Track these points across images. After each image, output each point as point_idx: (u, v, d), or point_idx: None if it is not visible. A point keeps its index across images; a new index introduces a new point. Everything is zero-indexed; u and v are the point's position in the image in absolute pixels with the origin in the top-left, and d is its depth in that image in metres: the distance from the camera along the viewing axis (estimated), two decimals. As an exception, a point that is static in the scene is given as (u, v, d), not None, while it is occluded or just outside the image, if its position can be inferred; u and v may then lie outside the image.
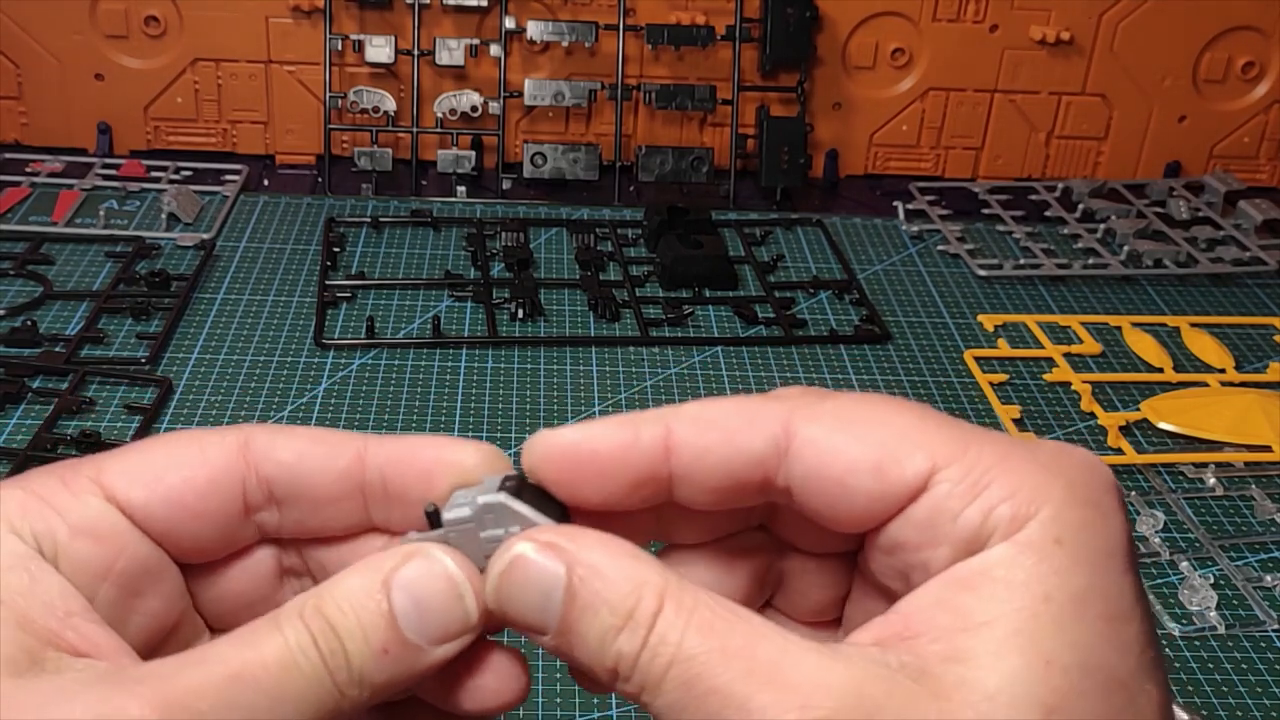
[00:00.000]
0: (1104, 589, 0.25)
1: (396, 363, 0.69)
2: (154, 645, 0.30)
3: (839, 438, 0.27)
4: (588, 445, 0.28)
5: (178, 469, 0.29)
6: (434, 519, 0.28)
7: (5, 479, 0.29)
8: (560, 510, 0.28)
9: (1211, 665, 0.52)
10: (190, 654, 0.26)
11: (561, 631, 0.26)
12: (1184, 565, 0.57)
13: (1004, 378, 0.71)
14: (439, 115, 0.90)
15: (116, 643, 0.27)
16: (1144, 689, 0.25)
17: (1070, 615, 0.25)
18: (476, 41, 0.89)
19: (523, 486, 0.28)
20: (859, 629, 0.26)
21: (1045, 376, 0.71)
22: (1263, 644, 0.54)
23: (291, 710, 0.25)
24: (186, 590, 0.30)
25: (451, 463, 0.29)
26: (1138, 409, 0.69)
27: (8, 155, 0.90)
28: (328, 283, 0.76)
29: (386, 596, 0.26)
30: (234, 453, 0.29)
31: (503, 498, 0.27)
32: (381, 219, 0.84)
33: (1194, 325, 0.78)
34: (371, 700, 0.26)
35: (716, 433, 0.27)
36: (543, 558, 0.26)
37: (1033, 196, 0.93)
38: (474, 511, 0.27)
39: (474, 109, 0.90)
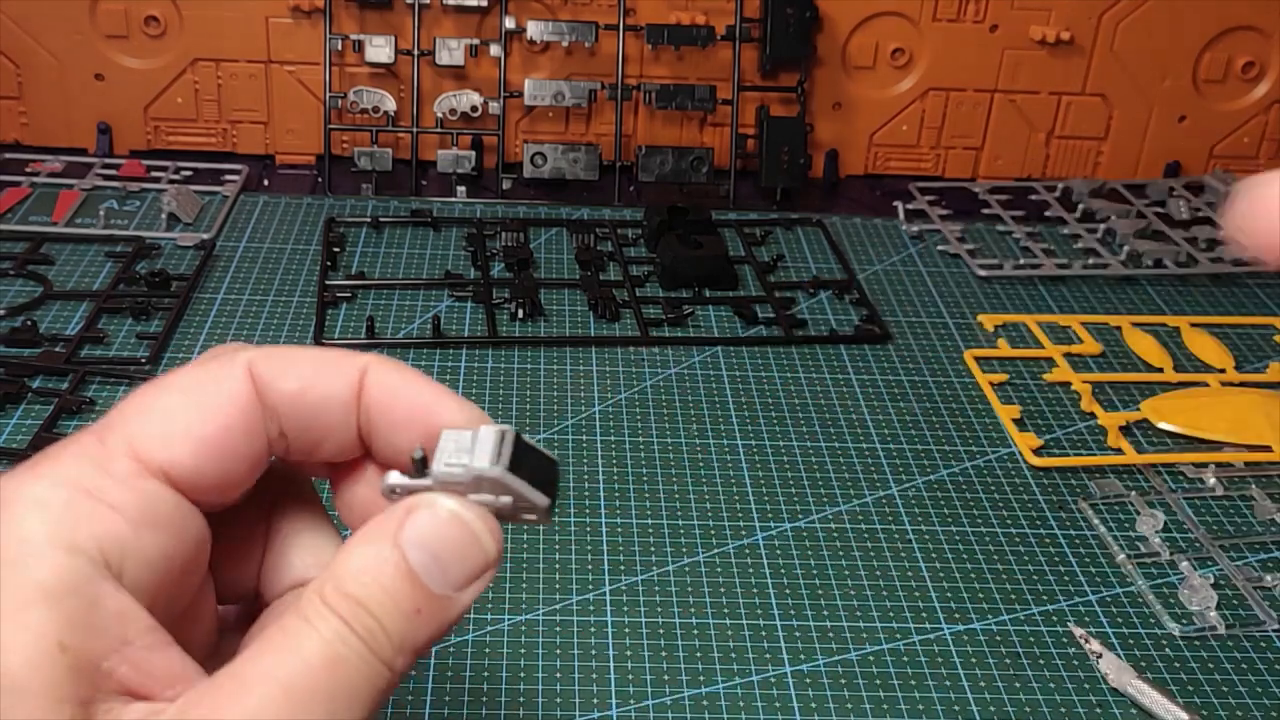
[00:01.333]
0: None
1: (396, 363, 0.69)
2: (192, 623, 0.29)
3: None
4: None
5: (210, 418, 0.27)
6: (421, 466, 0.27)
7: (45, 455, 0.26)
8: (552, 474, 0.28)
9: (1211, 665, 0.52)
10: (232, 679, 0.24)
11: None
12: (1184, 565, 0.57)
13: (1004, 378, 0.71)
14: (439, 115, 0.90)
15: (176, 663, 0.25)
16: None
17: None
18: (476, 41, 0.89)
19: (519, 453, 0.27)
20: None
21: (1045, 376, 0.71)
22: (1263, 644, 0.54)
23: (345, 703, 0.25)
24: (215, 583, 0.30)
25: (440, 423, 0.28)
26: (1138, 409, 0.69)
27: (8, 155, 0.90)
28: (328, 283, 0.76)
29: (402, 557, 0.26)
30: (249, 385, 0.27)
31: (499, 473, 0.27)
32: (381, 219, 0.84)
33: (1194, 325, 0.78)
34: (415, 659, 0.26)
35: None
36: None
37: (1033, 196, 0.93)
38: (468, 477, 0.27)
39: (474, 109, 0.90)
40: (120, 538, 0.25)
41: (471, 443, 0.27)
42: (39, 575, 0.24)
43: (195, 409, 0.27)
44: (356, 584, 0.25)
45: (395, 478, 0.27)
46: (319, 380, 0.28)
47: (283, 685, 0.24)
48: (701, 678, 0.50)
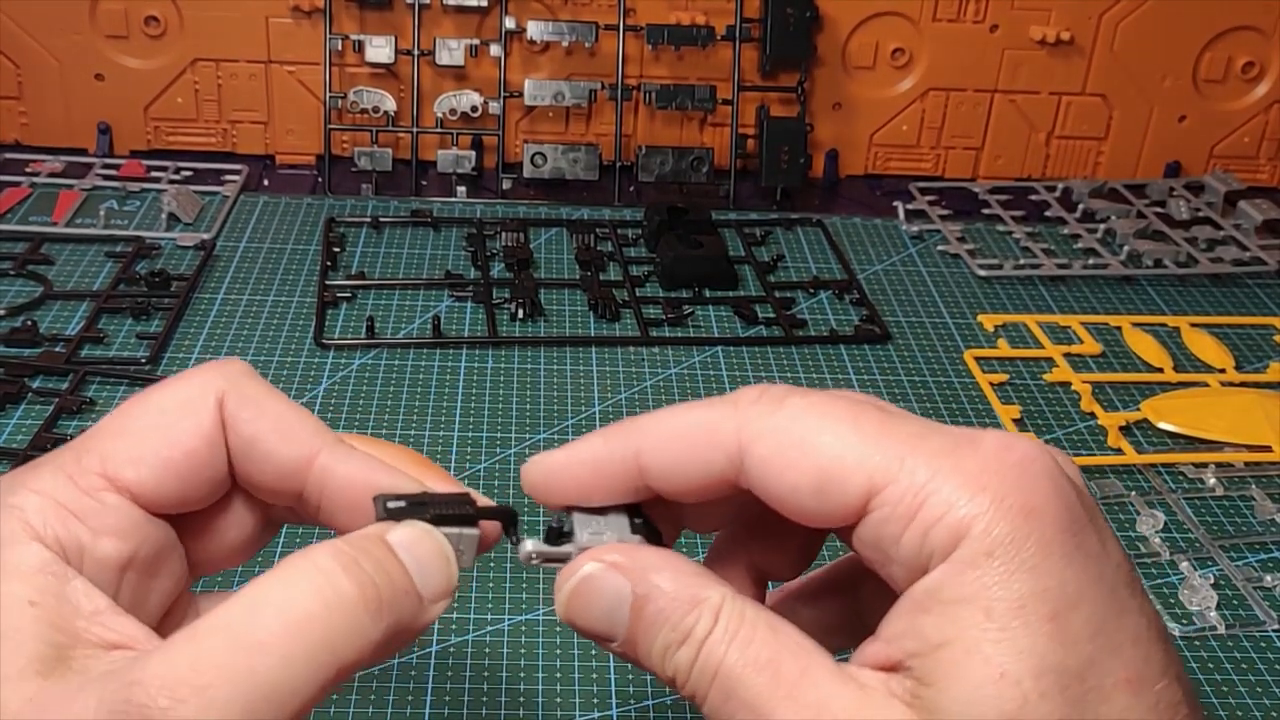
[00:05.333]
0: (1043, 589, 0.26)
1: (396, 363, 0.69)
2: (164, 616, 0.31)
3: (780, 459, 0.29)
4: (575, 464, 0.31)
5: (178, 443, 0.30)
6: (557, 536, 0.31)
7: (24, 468, 0.29)
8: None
9: (1211, 665, 0.52)
10: (227, 610, 0.26)
11: (628, 642, 0.29)
12: (1184, 565, 0.57)
13: (1004, 378, 0.71)
14: (439, 115, 0.90)
15: (146, 633, 0.28)
16: (1104, 669, 0.26)
17: (1015, 624, 0.26)
18: (476, 41, 0.89)
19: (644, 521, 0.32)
20: (858, 651, 0.28)
21: (1045, 376, 0.71)
22: (1263, 644, 0.54)
23: (342, 642, 0.27)
24: (186, 558, 0.32)
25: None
26: (1138, 409, 0.69)
27: (8, 155, 0.90)
28: (328, 283, 0.76)
29: (397, 554, 0.29)
30: (216, 418, 0.30)
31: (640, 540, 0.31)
32: (381, 219, 0.84)
33: (1194, 325, 0.78)
34: (380, 650, 0.28)
35: (679, 450, 0.30)
36: (609, 576, 0.29)
37: (1033, 196, 0.93)
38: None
39: (474, 109, 0.90)
40: (79, 541, 0.28)
41: (603, 521, 0.31)
42: (11, 559, 0.27)
43: (165, 433, 0.30)
44: (368, 559, 0.28)
45: (533, 545, 0.31)
46: (271, 439, 0.31)
47: (294, 618, 0.26)
48: (701, 678, 0.50)
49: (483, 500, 0.31)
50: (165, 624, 0.31)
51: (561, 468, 0.31)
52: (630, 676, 0.50)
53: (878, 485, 0.27)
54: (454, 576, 0.29)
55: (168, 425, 0.30)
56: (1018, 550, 0.26)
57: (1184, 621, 0.54)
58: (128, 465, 0.29)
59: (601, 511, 0.31)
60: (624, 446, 0.31)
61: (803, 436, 0.28)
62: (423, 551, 0.29)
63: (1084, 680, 0.26)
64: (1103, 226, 0.88)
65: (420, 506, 0.30)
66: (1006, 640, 0.26)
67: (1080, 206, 0.91)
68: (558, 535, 0.31)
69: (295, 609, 0.26)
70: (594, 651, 0.51)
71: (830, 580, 0.35)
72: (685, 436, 0.30)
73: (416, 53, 0.89)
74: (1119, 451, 0.65)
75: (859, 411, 0.28)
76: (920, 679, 0.27)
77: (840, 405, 0.29)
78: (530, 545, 0.31)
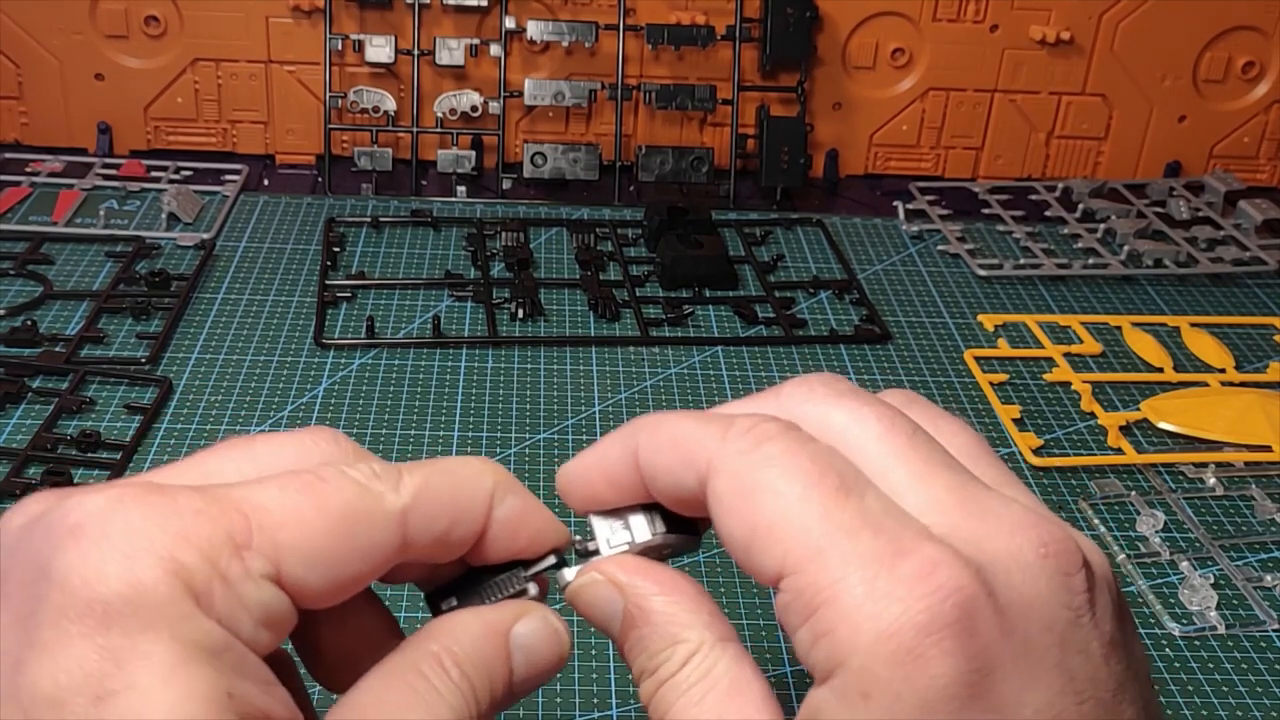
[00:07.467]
0: None
1: (396, 362, 0.69)
2: None
3: (727, 503, 0.28)
4: (590, 467, 0.32)
5: (355, 562, 0.28)
6: (587, 555, 0.32)
7: (165, 501, 0.26)
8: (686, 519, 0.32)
9: (1211, 665, 0.52)
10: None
11: (619, 646, 0.30)
12: (1184, 565, 0.57)
13: (1004, 377, 0.71)
14: (439, 115, 0.90)
15: (291, 701, 0.27)
16: None
17: None
18: (476, 41, 0.89)
19: (664, 514, 0.32)
20: None
21: (1045, 376, 0.71)
22: (1263, 644, 0.54)
23: None
24: None
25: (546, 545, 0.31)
26: (1138, 409, 0.69)
27: (8, 155, 0.90)
28: (328, 282, 0.76)
29: (509, 655, 0.30)
30: (399, 540, 0.29)
31: (660, 539, 0.32)
32: (381, 219, 0.84)
33: (1194, 325, 0.78)
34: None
35: (663, 460, 0.30)
36: (605, 590, 0.30)
37: (1033, 196, 0.93)
38: (636, 550, 0.32)
39: (474, 109, 0.90)
40: (238, 624, 0.26)
41: (626, 524, 0.32)
42: (193, 635, 0.25)
43: (346, 547, 0.28)
44: (473, 668, 0.29)
45: (571, 574, 0.31)
46: (459, 528, 0.30)
47: None
48: (701, 678, 0.50)
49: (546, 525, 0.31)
50: None
51: (580, 472, 0.32)
52: (630, 676, 0.50)
53: (788, 570, 0.26)
54: (561, 664, 0.31)
55: (351, 540, 0.28)
56: (895, 699, 0.25)
57: (1184, 621, 0.54)
58: (299, 564, 0.27)
59: (626, 512, 0.32)
60: (626, 448, 0.31)
61: (752, 488, 0.27)
62: (539, 652, 0.30)
63: None
64: (1103, 226, 0.88)
65: (475, 595, 0.31)
66: None
67: (1080, 206, 0.91)
68: (585, 555, 0.31)
69: None
70: (594, 651, 0.51)
71: None
72: (669, 448, 0.30)
73: (416, 52, 0.89)
74: (1119, 451, 0.65)
75: (821, 477, 0.27)
76: None
77: (806, 464, 0.27)
78: (569, 576, 0.31)
